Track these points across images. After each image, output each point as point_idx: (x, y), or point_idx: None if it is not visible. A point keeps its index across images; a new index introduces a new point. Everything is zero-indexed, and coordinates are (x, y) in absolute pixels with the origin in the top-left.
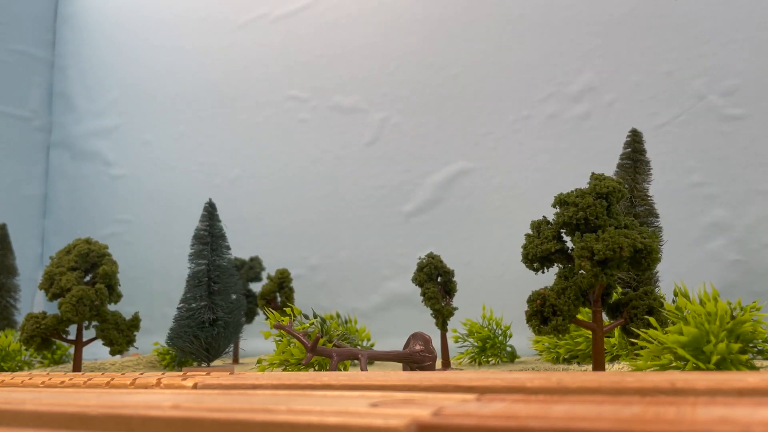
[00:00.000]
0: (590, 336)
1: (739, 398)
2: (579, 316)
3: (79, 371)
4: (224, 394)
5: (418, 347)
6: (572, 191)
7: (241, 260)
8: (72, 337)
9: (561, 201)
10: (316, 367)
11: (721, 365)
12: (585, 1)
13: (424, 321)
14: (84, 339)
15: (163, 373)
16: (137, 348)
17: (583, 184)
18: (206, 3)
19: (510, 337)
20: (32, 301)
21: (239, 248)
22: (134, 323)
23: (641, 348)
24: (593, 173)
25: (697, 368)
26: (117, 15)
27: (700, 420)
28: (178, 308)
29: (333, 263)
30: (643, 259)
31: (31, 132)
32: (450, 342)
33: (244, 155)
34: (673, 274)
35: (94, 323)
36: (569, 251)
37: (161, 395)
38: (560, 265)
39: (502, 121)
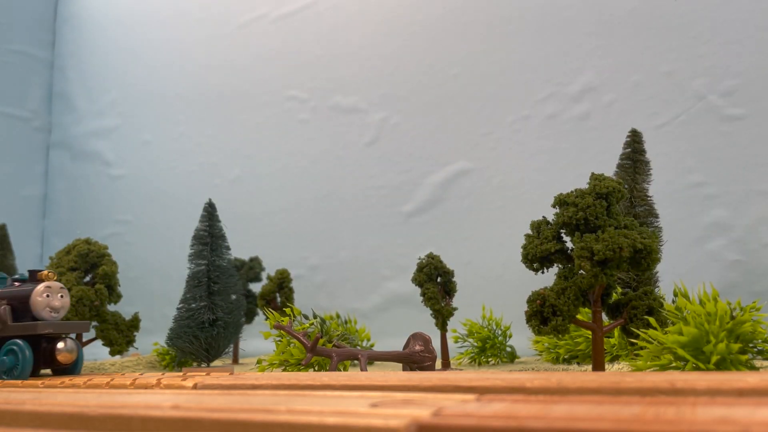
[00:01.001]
0: (590, 336)
1: (739, 398)
2: (579, 317)
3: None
4: (224, 394)
5: (418, 347)
6: (572, 191)
7: (240, 260)
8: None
9: (561, 201)
10: (316, 368)
11: (721, 365)
12: (585, 1)
13: (424, 321)
14: (84, 339)
15: (163, 374)
16: (137, 348)
17: (583, 184)
18: (206, 3)
19: (510, 337)
20: None
21: (239, 248)
22: (134, 323)
23: (641, 348)
24: (593, 173)
25: (696, 368)
26: (117, 15)
27: (699, 420)
28: (177, 308)
29: (333, 263)
30: (643, 259)
31: (30, 132)
32: (450, 342)
33: (244, 155)
34: (673, 275)
35: (93, 323)
36: (569, 251)
37: (161, 396)
38: (560, 266)
39: (502, 121)
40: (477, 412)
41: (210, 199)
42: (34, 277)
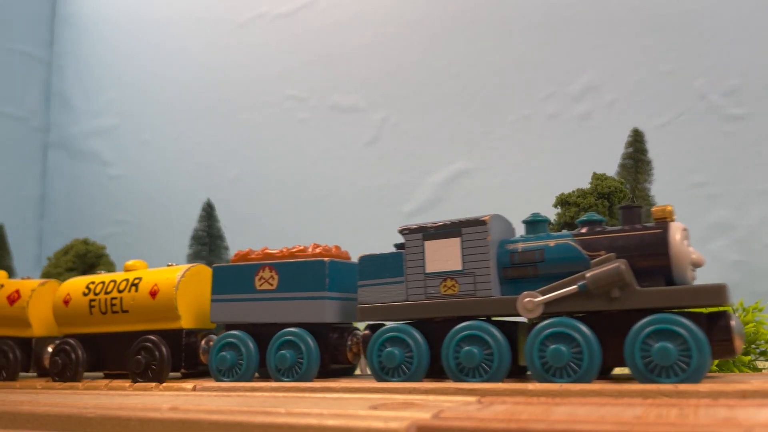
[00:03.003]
0: None
1: (742, 400)
2: None
3: None
4: (223, 395)
5: None
6: (574, 191)
7: None
8: None
9: (562, 201)
10: None
11: (724, 367)
12: (585, 1)
13: None
14: None
15: None
16: None
17: (585, 184)
18: (205, 2)
19: None
20: None
21: (238, 248)
22: None
23: None
24: (595, 173)
25: None
26: (115, 15)
27: (702, 422)
28: None
29: None
30: None
31: (28, 132)
32: None
33: (243, 155)
34: None
35: None
36: None
37: (160, 397)
38: None
39: (502, 121)
40: (478, 414)
41: (209, 199)
42: (634, 215)
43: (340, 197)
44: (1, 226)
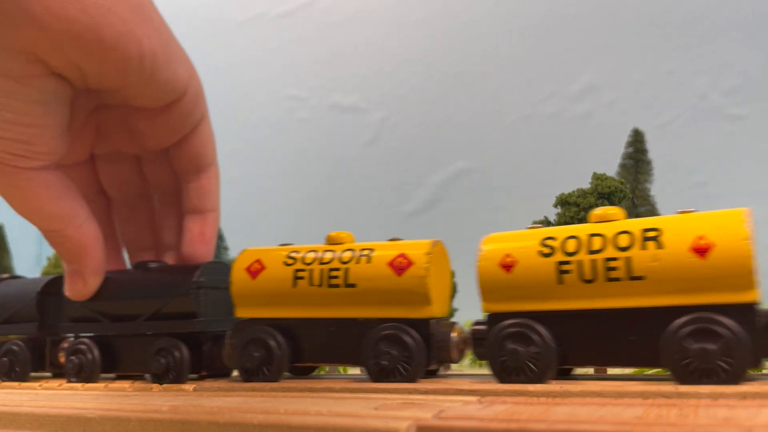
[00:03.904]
0: None
1: (742, 401)
2: None
3: None
4: (223, 396)
5: None
6: (574, 191)
7: None
8: None
9: (562, 201)
10: (318, 370)
11: None
12: (585, 1)
13: None
14: None
15: None
16: None
17: (585, 184)
18: (205, 2)
19: None
20: None
21: (238, 248)
22: None
23: None
24: (595, 173)
25: None
26: None
27: (702, 422)
28: None
29: None
30: None
31: None
32: None
33: (242, 155)
34: None
35: None
36: None
37: (160, 398)
38: None
39: (502, 121)
40: (478, 414)
41: None
42: None
43: (340, 197)
44: (0, 226)
